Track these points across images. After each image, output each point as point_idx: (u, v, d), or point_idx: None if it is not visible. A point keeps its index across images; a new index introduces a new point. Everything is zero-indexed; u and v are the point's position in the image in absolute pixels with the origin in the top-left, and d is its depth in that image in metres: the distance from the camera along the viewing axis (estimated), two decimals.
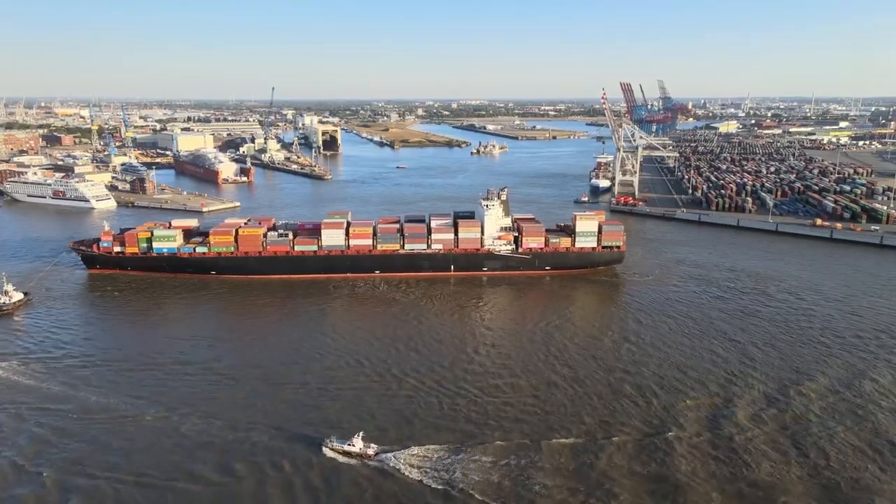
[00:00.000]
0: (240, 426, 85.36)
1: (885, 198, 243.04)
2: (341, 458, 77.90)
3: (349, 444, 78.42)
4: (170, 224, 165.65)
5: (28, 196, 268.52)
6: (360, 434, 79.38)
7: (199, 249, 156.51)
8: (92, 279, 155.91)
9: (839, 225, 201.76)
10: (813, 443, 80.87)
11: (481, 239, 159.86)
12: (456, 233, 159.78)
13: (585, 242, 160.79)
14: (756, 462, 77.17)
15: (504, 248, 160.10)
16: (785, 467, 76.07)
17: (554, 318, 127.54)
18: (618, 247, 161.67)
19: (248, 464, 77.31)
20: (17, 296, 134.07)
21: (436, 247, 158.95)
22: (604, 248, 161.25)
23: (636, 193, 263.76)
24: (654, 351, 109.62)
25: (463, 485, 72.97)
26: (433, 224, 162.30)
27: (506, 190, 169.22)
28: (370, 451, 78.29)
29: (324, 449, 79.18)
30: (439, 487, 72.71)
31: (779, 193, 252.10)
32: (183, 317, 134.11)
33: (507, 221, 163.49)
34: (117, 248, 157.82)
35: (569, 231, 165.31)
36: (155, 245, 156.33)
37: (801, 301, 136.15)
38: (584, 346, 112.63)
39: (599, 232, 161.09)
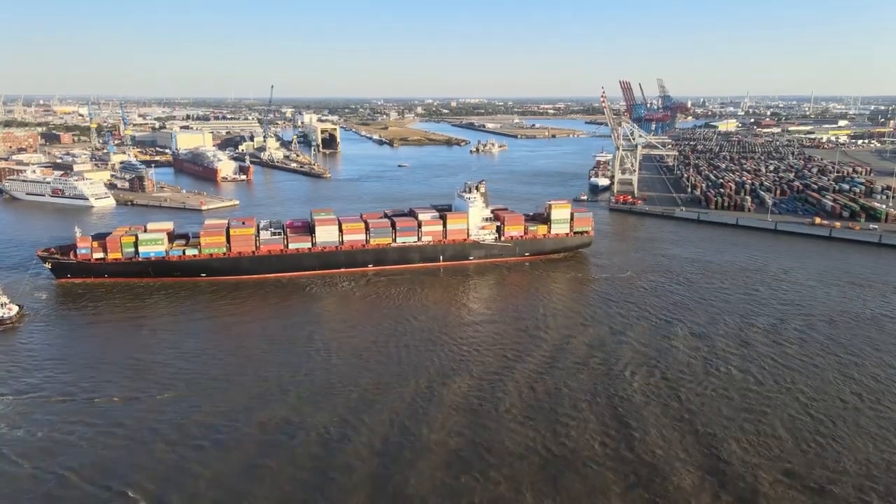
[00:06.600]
0: None
1: (884, 196, 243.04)
2: None
3: None
4: (145, 227, 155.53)
5: (27, 194, 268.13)
6: None
7: (189, 251, 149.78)
8: (78, 289, 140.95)
9: (838, 224, 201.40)
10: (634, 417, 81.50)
11: (467, 230, 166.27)
12: (444, 225, 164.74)
13: (559, 229, 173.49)
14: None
15: (488, 237, 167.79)
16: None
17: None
18: (587, 232, 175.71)
19: None
20: (14, 308, 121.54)
21: (426, 239, 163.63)
22: (575, 233, 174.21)
23: (635, 192, 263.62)
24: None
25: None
26: (425, 217, 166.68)
27: (483, 182, 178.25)
28: None
29: None
30: None
31: (778, 192, 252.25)
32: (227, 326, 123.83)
33: (488, 212, 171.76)
34: (98, 255, 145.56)
35: (542, 219, 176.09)
36: (141, 249, 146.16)
37: (755, 293, 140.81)
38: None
39: (571, 219, 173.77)
